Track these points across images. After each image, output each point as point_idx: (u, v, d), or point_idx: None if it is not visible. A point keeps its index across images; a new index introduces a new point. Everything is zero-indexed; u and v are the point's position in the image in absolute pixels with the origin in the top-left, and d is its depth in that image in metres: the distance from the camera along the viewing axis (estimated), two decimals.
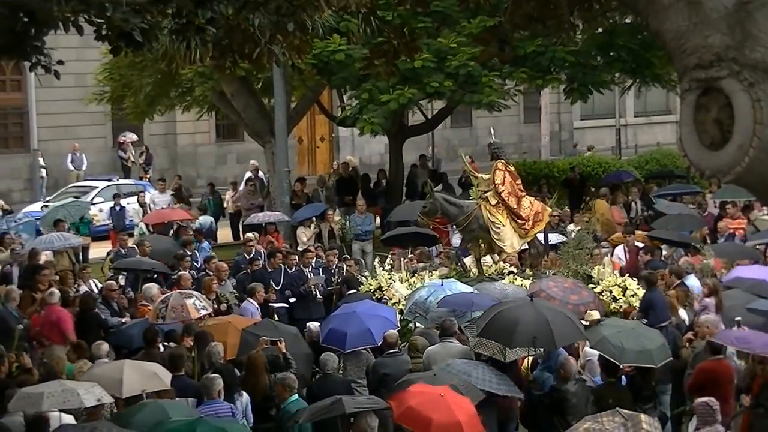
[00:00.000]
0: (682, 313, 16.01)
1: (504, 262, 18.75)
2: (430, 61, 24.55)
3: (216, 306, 17.01)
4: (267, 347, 13.61)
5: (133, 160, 36.87)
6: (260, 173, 31.19)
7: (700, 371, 13.24)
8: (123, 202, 28.28)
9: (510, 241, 18.28)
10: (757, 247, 20.15)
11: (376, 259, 20.07)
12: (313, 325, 15.55)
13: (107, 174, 34.11)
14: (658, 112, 51.20)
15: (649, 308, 15.66)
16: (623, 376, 13.39)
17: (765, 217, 22.66)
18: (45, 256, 20.73)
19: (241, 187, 30.91)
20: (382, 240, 23.00)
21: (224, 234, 29.31)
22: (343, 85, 26.35)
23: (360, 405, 11.32)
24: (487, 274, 18.36)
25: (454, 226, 19.70)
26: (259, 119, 27.43)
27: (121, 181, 32.36)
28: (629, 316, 16.24)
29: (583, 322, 14.99)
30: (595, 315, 15.19)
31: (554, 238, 20.32)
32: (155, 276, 18.90)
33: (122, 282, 19.55)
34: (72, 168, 35.97)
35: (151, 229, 24.41)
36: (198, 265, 20.23)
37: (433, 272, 18.53)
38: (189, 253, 20.49)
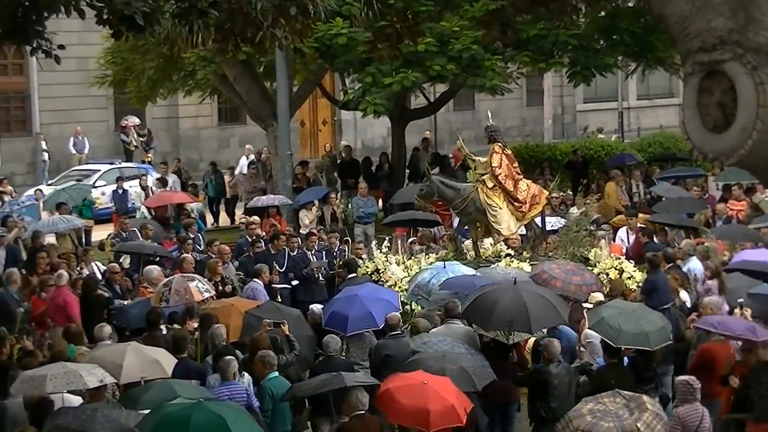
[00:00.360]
0: (684, 295, 16.06)
1: (506, 245, 18.75)
2: (433, 45, 24.51)
3: (221, 288, 17.04)
4: (270, 329, 13.63)
5: (135, 144, 36.89)
6: (262, 156, 31.19)
7: (702, 352, 13.33)
8: (125, 185, 28.35)
9: (507, 223, 18.26)
10: (763, 230, 20.10)
11: (374, 242, 20.09)
12: (316, 307, 15.57)
13: (109, 158, 34.13)
14: (661, 95, 51.09)
15: (652, 290, 15.69)
16: (625, 358, 13.40)
17: None
18: (48, 239, 20.76)
19: (237, 171, 30.94)
20: (384, 223, 23.04)
21: (224, 217, 29.53)
22: (346, 68, 26.31)
23: (360, 380, 11.49)
24: (484, 257, 18.39)
25: (451, 209, 19.70)
26: (262, 103, 27.42)
27: (124, 164, 32.34)
28: (627, 298, 16.25)
29: (587, 305, 15.05)
30: (598, 296, 15.22)
31: (555, 221, 20.31)
32: (158, 259, 18.94)
33: (127, 265, 19.61)
34: (74, 152, 35.94)
35: (153, 213, 24.42)
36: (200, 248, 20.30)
37: (431, 255, 18.53)
38: (192, 236, 20.54)
